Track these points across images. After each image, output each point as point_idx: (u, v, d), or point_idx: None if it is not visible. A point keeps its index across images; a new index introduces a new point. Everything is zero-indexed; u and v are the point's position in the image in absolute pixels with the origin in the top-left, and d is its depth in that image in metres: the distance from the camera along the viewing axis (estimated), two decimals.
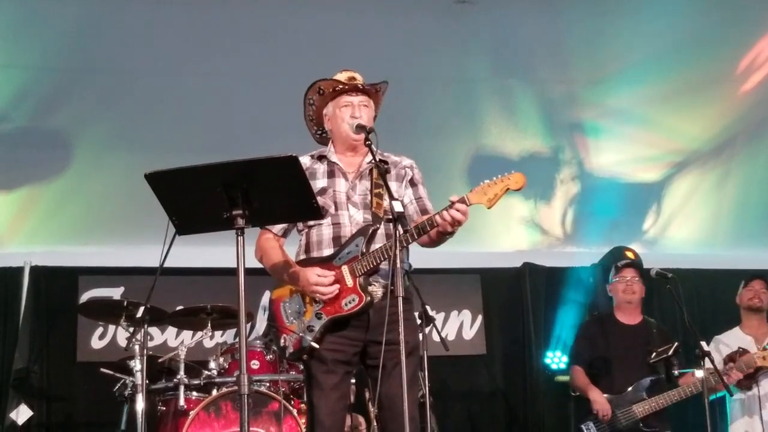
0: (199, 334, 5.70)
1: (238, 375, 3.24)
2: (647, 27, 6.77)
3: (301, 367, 4.05)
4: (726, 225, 7.96)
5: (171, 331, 6.95)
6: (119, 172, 6.81)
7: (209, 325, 5.57)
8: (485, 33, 6.79)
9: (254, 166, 3.28)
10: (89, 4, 6.28)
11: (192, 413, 5.12)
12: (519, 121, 7.34)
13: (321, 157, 3.98)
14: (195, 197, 3.35)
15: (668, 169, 7.75)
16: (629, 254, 7.13)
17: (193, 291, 6.68)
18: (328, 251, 3.82)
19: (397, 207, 3.46)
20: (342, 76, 3.97)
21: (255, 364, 5.50)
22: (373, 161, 3.75)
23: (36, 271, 7.02)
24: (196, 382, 5.40)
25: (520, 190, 3.69)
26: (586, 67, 7.08)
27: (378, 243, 3.75)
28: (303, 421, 5.02)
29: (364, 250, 3.72)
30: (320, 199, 3.63)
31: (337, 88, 3.93)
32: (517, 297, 7.63)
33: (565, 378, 7.05)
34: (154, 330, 6.66)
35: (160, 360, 5.49)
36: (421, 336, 4.94)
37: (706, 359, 5.06)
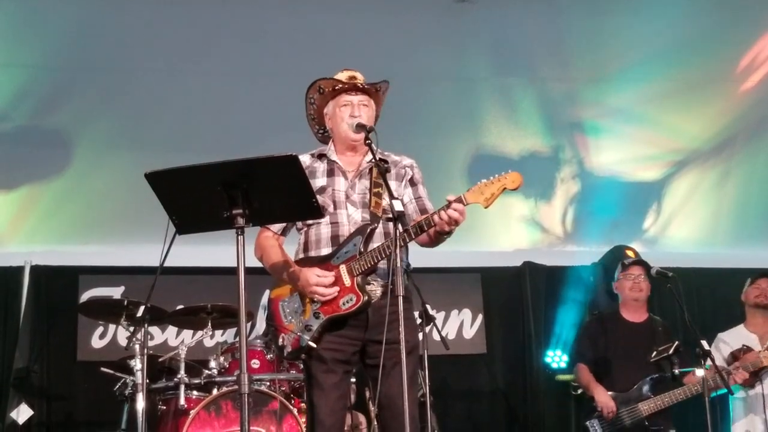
0: (200, 333, 5.70)
1: (239, 374, 3.24)
2: (647, 26, 6.78)
3: (302, 366, 4.05)
4: (726, 224, 7.96)
5: (171, 330, 6.96)
6: (119, 171, 6.81)
7: (209, 324, 5.57)
8: (485, 32, 6.79)
9: (254, 166, 3.28)
10: (89, 3, 6.29)
11: (192, 412, 5.12)
12: (519, 120, 7.35)
13: (321, 156, 3.97)
14: (195, 196, 3.35)
15: (668, 168, 7.75)
16: (630, 253, 7.13)
17: (194, 290, 6.68)
18: (326, 250, 3.82)
19: (398, 206, 3.45)
20: (343, 76, 3.96)
21: (255, 364, 5.50)
22: (373, 160, 3.75)
23: (36, 270, 7.02)
24: (196, 381, 5.40)
25: (517, 189, 3.68)
26: (586, 66, 7.08)
27: (376, 242, 3.75)
28: (303, 420, 5.01)
29: (362, 250, 3.72)
30: (319, 198, 3.63)
31: (336, 87, 3.93)
32: (517, 296, 7.63)
33: (565, 377, 7.06)
34: (154, 329, 6.67)
35: (160, 359, 5.49)
36: (421, 335, 4.96)
37: (706, 358, 5.06)
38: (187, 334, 6.59)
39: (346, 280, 3.72)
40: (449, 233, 3.65)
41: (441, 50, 6.82)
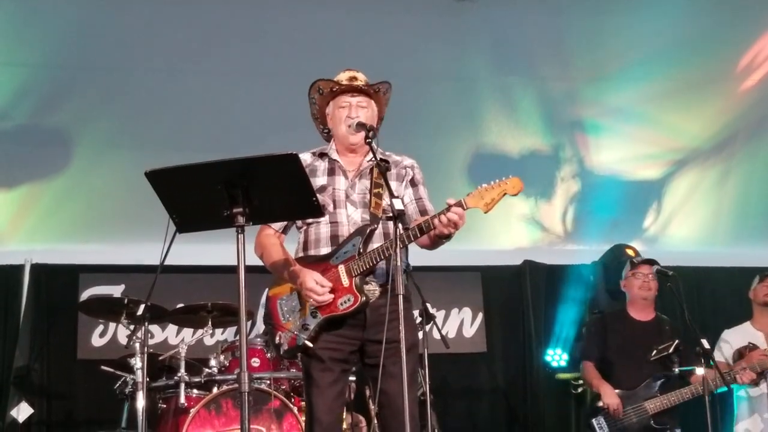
0: (200, 331, 5.71)
1: (239, 373, 3.24)
2: (648, 25, 6.78)
3: (301, 365, 4.05)
4: (726, 223, 7.96)
5: (171, 328, 6.96)
6: (120, 169, 6.82)
7: (210, 322, 5.58)
8: (485, 31, 6.79)
9: (255, 164, 3.28)
10: (89, 2, 6.30)
11: (192, 411, 5.12)
12: (519, 119, 7.35)
13: (322, 155, 3.97)
14: (195, 195, 3.35)
15: (669, 167, 7.75)
16: (630, 252, 7.13)
17: (194, 288, 6.69)
18: (325, 249, 3.82)
19: (398, 205, 3.45)
20: (344, 76, 3.95)
21: (255, 362, 5.50)
22: (373, 160, 3.74)
23: (36, 268, 7.02)
24: (196, 379, 5.40)
25: (517, 195, 3.67)
26: (586, 65, 7.08)
27: (375, 243, 3.74)
28: (303, 418, 5.01)
29: (362, 250, 3.71)
30: (319, 197, 3.63)
31: (333, 89, 3.93)
32: (517, 295, 7.64)
33: (565, 375, 7.07)
34: (154, 328, 6.69)
35: (160, 358, 5.49)
36: (421, 334, 4.96)
37: (706, 357, 5.06)
38: (187, 332, 6.59)
39: (345, 281, 3.72)
40: (448, 237, 3.64)
41: (441, 49, 6.82)
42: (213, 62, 6.63)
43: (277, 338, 3.84)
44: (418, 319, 4.94)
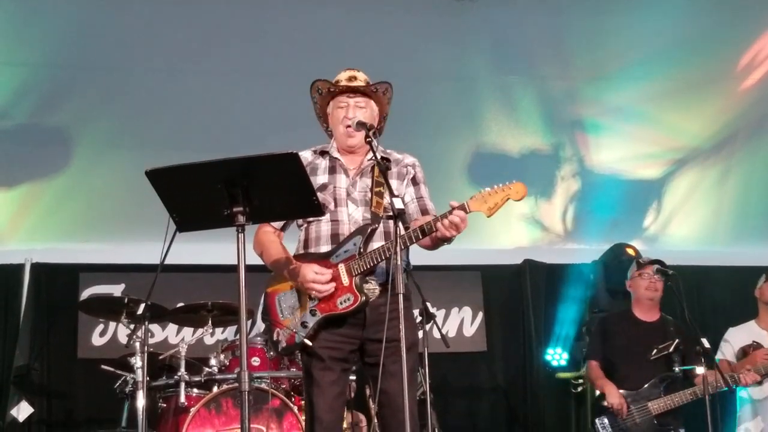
0: (200, 331, 5.71)
1: (239, 372, 3.24)
2: (648, 24, 6.77)
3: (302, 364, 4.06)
4: (726, 222, 7.97)
5: (172, 328, 6.97)
6: (120, 169, 6.82)
7: (210, 322, 5.58)
8: (486, 30, 6.79)
9: (255, 163, 3.28)
10: (89, 2, 6.29)
11: (192, 410, 5.13)
12: (519, 119, 7.35)
13: (323, 153, 3.97)
14: (195, 194, 3.35)
15: (669, 167, 7.76)
16: (630, 251, 7.13)
17: (194, 288, 6.69)
18: (325, 248, 3.81)
19: (398, 204, 3.44)
20: (343, 75, 3.95)
21: (256, 361, 5.50)
22: (374, 158, 3.74)
23: (36, 268, 7.03)
24: (196, 379, 5.41)
25: (520, 200, 3.65)
26: (586, 65, 7.08)
27: (376, 242, 3.74)
28: (303, 417, 5.01)
29: (362, 250, 3.71)
30: (320, 195, 3.63)
31: (331, 89, 3.93)
32: (517, 294, 7.65)
33: (565, 375, 7.07)
34: (154, 327, 6.70)
35: (160, 357, 5.49)
36: (421, 333, 4.96)
37: (706, 357, 5.06)
38: (187, 331, 6.60)
39: (345, 280, 3.72)
40: (450, 240, 3.63)
41: (441, 49, 6.82)
42: (213, 62, 6.63)
43: (275, 335, 3.84)
44: (418, 318, 4.95)
